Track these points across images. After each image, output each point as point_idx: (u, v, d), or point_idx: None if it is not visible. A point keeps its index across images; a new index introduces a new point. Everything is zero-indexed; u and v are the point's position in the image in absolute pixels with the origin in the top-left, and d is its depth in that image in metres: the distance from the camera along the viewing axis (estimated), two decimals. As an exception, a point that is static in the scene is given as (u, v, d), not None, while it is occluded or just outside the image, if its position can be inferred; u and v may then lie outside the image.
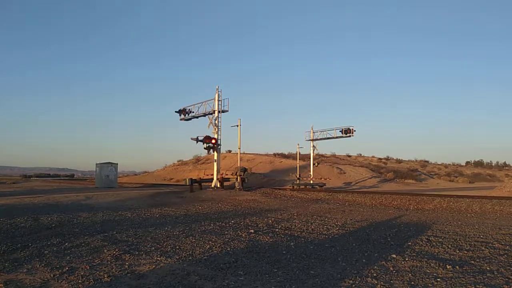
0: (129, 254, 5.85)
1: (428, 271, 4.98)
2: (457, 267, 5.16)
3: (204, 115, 24.00)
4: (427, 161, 64.19)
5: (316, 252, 6.11)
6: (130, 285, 4.30)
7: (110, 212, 11.53)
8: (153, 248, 6.30)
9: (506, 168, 66.90)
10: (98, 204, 14.03)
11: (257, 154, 49.25)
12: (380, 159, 60.12)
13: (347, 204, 15.58)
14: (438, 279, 4.56)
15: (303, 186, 27.63)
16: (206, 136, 22.49)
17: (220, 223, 9.50)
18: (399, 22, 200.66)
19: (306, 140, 33.03)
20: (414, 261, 5.53)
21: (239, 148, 25.32)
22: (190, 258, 5.65)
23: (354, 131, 29.91)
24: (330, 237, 7.64)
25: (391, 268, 5.10)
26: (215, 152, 23.29)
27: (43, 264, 5.21)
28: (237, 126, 23.85)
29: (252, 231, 8.16)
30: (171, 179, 44.51)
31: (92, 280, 4.49)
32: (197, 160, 51.30)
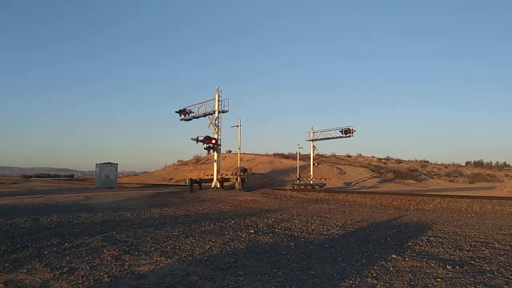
0: (129, 255, 5.85)
1: (428, 271, 4.98)
2: (457, 267, 5.16)
3: (204, 115, 24.01)
4: (427, 161, 64.21)
5: (316, 252, 6.11)
6: (130, 285, 4.30)
7: (110, 213, 11.53)
8: (153, 249, 6.29)
9: (506, 168, 66.91)
10: (98, 205, 14.03)
11: (257, 154, 49.26)
12: (380, 159, 60.12)
13: (347, 205, 15.58)
14: (438, 279, 4.56)
15: (303, 187, 27.62)
16: (206, 136, 22.49)
17: (220, 223, 9.49)
18: (399, 22, 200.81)
19: (306, 140, 33.06)
20: (414, 261, 5.53)
21: (239, 148, 25.34)
22: (190, 258, 5.65)
23: (354, 131, 29.92)
24: (330, 237, 7.64)
25: (391, 268, 5.10)
26: (215, 152, 23.29)
27: (43, 264, 5.21)
28: (237, 126, 23.86)
29: (252, 231, 8.16)
30: (171, 179, 44.51)
31: (92, 280, 4.49)
32: (197, 160, 51.30)
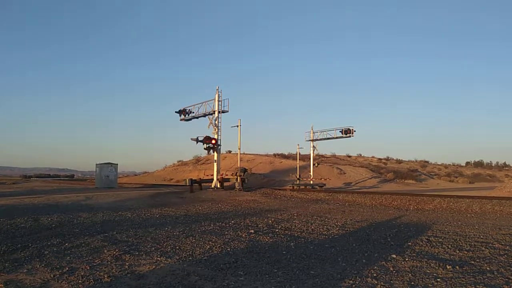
0: (129, 255, 5.85)
1: (428, 271, 4.98)
2: (457, 267, 5.17)
3: (204, 115, 24.02)
4: (427, 162, 64.20)
5: (316, 252, 6.11)
6: (130, 285, 4.31)
7: (110, 213, 11.54)
8: (153, 249, 6.30)
9: (506, 168, 66.91)
10: (98, 205, 14.03)
11: (257, 154, 49.27)
12: (380, 159, 60.12)
13: (347, 205, 15.58)
14: (438, 279, 4.56)
15: (303, 187, 27.63)
16: (206, 136, 22.50)
17: (220, 223, 9.50)
18: (399, 22, 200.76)
19: (306, 141, 33.06)
20: (414, 261, 5.54)
21: (239, 149, 25.34)
22: (190, 258, 5.66)
23: (354, 131, 29.93)
24: (330, 237, 7.65)
25: (391, 268, 5.10)
26: (215, 153, 23.30)
27: (43, 265, 5.21)
28: (237, 126, 23.87)
29: (252, 231, 8.16)
30: (171, 179, 44.52)
31: (92, 280, 4.49)
32: (197, 160, 51.31)
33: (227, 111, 23.45)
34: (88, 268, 5.05)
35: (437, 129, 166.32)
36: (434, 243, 6.92)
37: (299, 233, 8.11)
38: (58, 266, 5.12)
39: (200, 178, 24.24)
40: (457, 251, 6.23)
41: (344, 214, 11.96)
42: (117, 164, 29.27)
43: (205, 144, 22.37)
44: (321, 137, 32.09)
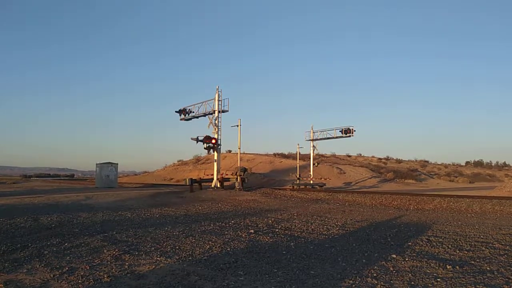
0: (129, 254, 5.85)
1: (428, 271, 4.98)
2: (457, 267, 5.16)
3: (204, 115, 24.01)
4: (427, 161, 64.23)
5: (316, 252, 6.11)
6: (130, 285, 4.30)
7: (110, 212, 11.53)
8: (153, 248, 6.29)
9: (506, 168, 66.91)
10: (98, 204, 14.03)
11: (257, 154, 49.26)
12: (380, 159, 60.13)
13: (347, 204, 15.58)
14: (438, 279, 4.56)
15: (303, 186, 27.63)
16: (206, 136, 22.50)
17: (220, 223, 9.49)
18: (399, 22, 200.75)
19: (306, 140, 33.07)
20: (414, 261, 5.53)
21: (239, 148, 25.34)
22: (190, 258, 5.65)
23: (354, 131, 29.93)
24: (330, 237, 7.64)
25: (391, 268, 5.10)
26: (215, 152, 23.30)
27: (43, 264, 5.21)
28: (237, 126, 23.87)
29: (252, 231, 8.16)
30: (171, 179, 44.52)
31: (92, 280, 4.49)
32: (197, 160, 51.31)
33: (227, 111, 23.46)
34: (88, 268, 5.04)
35: (437, 129, 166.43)
36: (434, 243, 6.91)
37: (299, 233, 8.10)
38: (58, 266, 5.11)
39: (200, 178, 24.24)
40: (457, 251, 6.23)
41: (344, 214, 11.95)
42: (117, 164, 29.27)
43: (205, 144, 22.37)
44: (321, 137, 32.10)
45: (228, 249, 6.34)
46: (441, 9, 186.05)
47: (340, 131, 30.48)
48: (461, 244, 6.86)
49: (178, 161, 55.99)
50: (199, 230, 8.33)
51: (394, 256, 5.83)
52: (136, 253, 5.97)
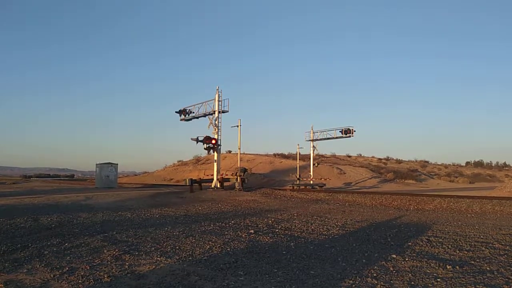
0: (129, 255, 5.85)
1: (428, 271, 4.98)
2: (457, 267, 5.16)
3: (204, 115, 24.01)
4: (427, 162, 64.19)
5: (316, 253, 6.11)
6: (130, 285, 4.30)
7: (110, 213, 11.53)
8: (153, 249, 6.30)
9: (506, 168, 66.90)
10: (98, 205, 14.03)
11: (257, 154, 49.26)
12: (380, 159, 60.10)
13: (347, 205, 15.58)
14: (438, 279, 4.56)
15: (303, 187, 27.62)
16: (206, 136, 22.49)
17: (220, 223, 9.50)
18: (399, 22, 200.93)
19: (306, 140, 33.06)
20: (414, 261, 5.53)
21: (239, 149, 25.34)
22: (190, 258, 5.65)
23: (354, 131, 29.93)
24: (330, 237, 7.64)
25: (391, 268, 5.10)
26: (215, 153, 23.29)
27: (43, 264, 5.21)
28: (237, 126, 23.86)
29: (252, 231, 8.16)
30: (171, 179, 44.51)
31: (92, 280, 4.49)
32: (197, 160, 51.30)
33: (227, 111, 23.45)
34: (88, 268, 5.04)
35: (437, 129, 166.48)
36: (434, 243, 6.91)
37: (299, 233, 8.10)
38: (58, 266, 5.11)
39: (200, 178, 24.23)
40: (457, 251, 6.23)
41: (344, 214, 11.95)
42: (117, 164, 29.28)
43: (205, 144, 22.36)
44: (321, 137, 32.09)
45: (228, 249, 6.34)
46: (441, 9, 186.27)
47: (340, 131, 30.49)
48: (461, 244, 6.86)
49: (178, 161, 56.02)
50: (199, 230, 8.33)
51: (394, 256, 5.83)
52: (136, 253, 5.97)
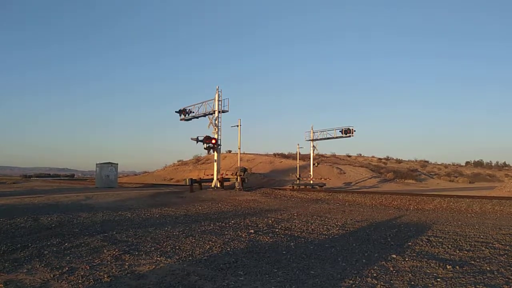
0: (129, 254, 5.85)
1: (428, 271, 4.98)
2: (457, 267, 5.16)
3: (204, 115, 24.02)
4: (427, 161, 64.21)
5: (316, 252, 6.11)
6: (130, 285, 4.30)
7: (110, 212, 11.53)
8: (153, 248, 6.29)
9: (506, 168, 66.90)
10: (98, 204, 14.03)
11: (257, 154, 49.27)
12: (380, 159, 60.12)
13: (347, 204, 15.58)
14: (438, 279, 4.56)
15: (303, 186, 27.63)
16: (206, 136, 22.50)
17: (220, 223, 9.50)
18: (399, 22, 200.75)
19: (306, 140, 33.07)
20: (414, 261, 5.53)
21: (239, 148, 25.34)
22: (190, 258, 5.65)
23: (354, 131, 29.94)
24: (330, 237, 7.64)
25: (391, 268, 5.10)
26: (215, 152, 23.30)
27: (43, 264, 5.21)
28: (237, 126, 23.87)
29: (252, 231, 8.16)
30: (171, 179, 44.52)
31: (92, 280, 4.49)
32: (197, 160, 51.30)
33: (227, 111, 23.47)
34: (88, 268, 5.04)
35: (437, 129, 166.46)
36: (434, 243, 6.91)
37: (299, 233, 8.10)
38: (58, 266, 5.11)
39: (200, 178, 24.24)
40: (457, 251, 6.23)
41: (344, 214, 11.95)
42: (117, 164, 29.26)
43: (205, 144, 22.37)
44: (321, 137, 32.10)
45: (228, 249, 6.34)
46: (441, 9, 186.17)
47: (340, 131, 30.49)
48: (461, 244, 6.86)
49: (178, 161, 56.04)
50: (199, 230, 8.33)
51: (394, 256, 5.83)
52: (136, 253, 5.97)
